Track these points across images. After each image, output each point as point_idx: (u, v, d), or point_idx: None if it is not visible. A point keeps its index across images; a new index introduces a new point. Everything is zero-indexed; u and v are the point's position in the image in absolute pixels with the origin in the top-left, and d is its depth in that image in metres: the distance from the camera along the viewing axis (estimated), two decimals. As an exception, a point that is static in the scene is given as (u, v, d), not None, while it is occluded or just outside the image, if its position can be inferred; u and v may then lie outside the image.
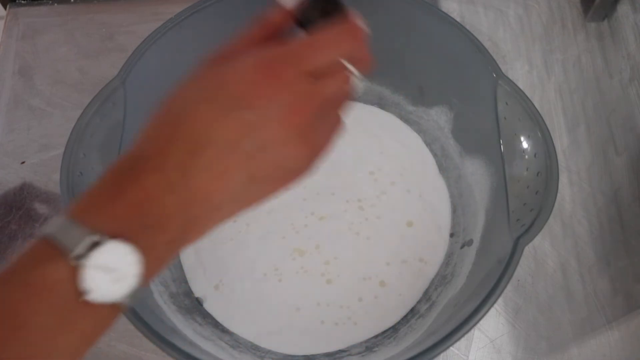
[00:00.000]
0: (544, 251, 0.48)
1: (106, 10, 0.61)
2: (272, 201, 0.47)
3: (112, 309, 0.24)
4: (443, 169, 0.50)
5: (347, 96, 0.30)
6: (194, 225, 0.26)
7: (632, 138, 0.53)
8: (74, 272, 0.22)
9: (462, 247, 0.45)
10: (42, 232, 0.23)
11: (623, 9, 0.58)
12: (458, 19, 0.44)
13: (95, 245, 0.23)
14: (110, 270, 0.23)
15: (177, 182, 0.25)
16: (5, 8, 0.61)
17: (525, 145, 0.38)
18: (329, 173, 0.49)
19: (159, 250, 0.25)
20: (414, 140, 0.51)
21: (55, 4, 0.61)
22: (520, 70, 0.57)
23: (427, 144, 0.51)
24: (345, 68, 0.29)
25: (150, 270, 0.24)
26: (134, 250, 0.23)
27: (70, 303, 0.23)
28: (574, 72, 0.57)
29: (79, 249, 0.22)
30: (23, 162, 0.52)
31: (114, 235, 0.23)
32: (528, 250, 0.35)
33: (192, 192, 0.25)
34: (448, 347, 0.32)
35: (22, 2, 0.61)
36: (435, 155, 0.50)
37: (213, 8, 0.43)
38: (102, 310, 0.23)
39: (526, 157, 0.38)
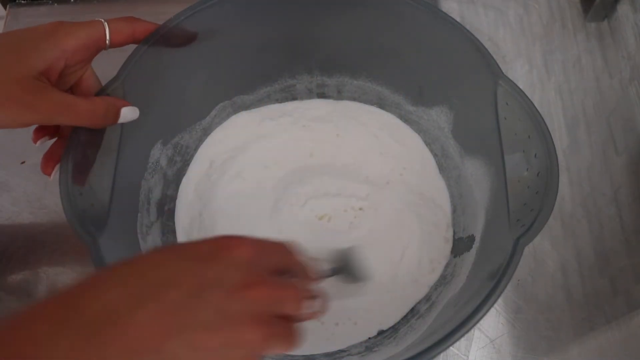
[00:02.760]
0: (544, 251, 0.48)
1: (106, 10, 0.61)
2: (272, 201, 0.48)
3: None
4: (443, 169, 0.50)
5: (299, 309, 0.28)
6: None
7: (632, 138, 0.53)
8: None
9: (461, 246, 0.45)
10: None
11: (623, 9, 0.58)
12: (458, 19, 0.44)
13: None
14: None
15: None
16: (5, 8, 0.61)
17: (525, 145, 0.38)
18: (329, 173, 0.49)
19: None
20: (414, 140, 0.51)
21: (55, 4, 0.61)
22: (520, 70, 0.57)
23: (427, 144, 0.51)
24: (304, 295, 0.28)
25: None
26: None
27: None
28: (574, 72, 0.57)
29: None
30: (23, 162, 0.52)
31: None
32: (528, 250, 0.34)
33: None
34: (448, 347, 0.32)
35: (22, 2, 0.61)
36: (435, 155, 0.50)
37: (213, 8, 0.43)
38: None
39: (526, 157, 0.38)
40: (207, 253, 0.26)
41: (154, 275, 0.25)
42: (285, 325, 0.27)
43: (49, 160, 0.38)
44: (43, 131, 0.39)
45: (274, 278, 0.27)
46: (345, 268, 0.40)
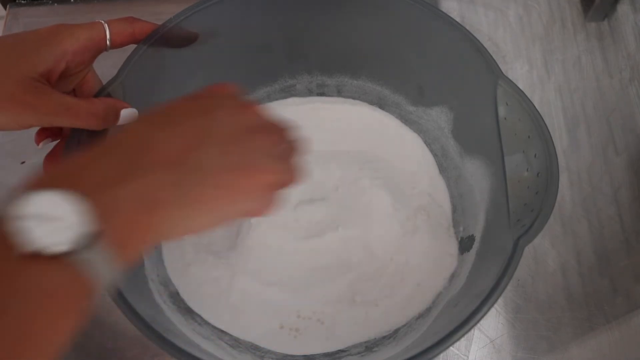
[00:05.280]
0: (544, 251, 0.48)
1: (106, 10, 0.61)
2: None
3: (71, 274, 0.22)
4: (443, 169, 0.50)
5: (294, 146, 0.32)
6: (160, 186, 0.25)
7: (632, 138, 0.53)
8: (10, 225, 0.21)
9: (462, 247, 0.45)
10: None
11: (623, 9, 0.58)
12: (458, 19, 0.44)
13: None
14: (50, 220, 0.21)
15: (125, 140, 0.26)
16: (5, 8, 0.61)
17: (525, 145, 0.38)
18: (328, 174, 0.49)
19: (116, 204, 0.23)
20: (414, 140, 0.51)
21: (55, 4, 0.61)
22: (520, 70, 0.57)
23: (427, 144, 0.51)
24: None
25: (115, 227, 0.23)
26: (74, 198, 0.22)
27: (12, 259, 0.21)
28: (574, 72, 0.57)
29: (14, 205, 0.21)
30: (23, 162, 0.52)
31: (40, 186, 0.22)
32: (528, 250, 0.35)
33: (144, 149, 0.26)
34: (448, 347, 0.32)
35: (22, 2, 0.61)
36: (435, 155, 0.50)
37: (212, 8, 0.43)
38: (57, 270, 0.21)
39: (526, 157, 0.38)
40: (204, 93, 0.31)
41: (173, 112, 0.28)
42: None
43: (52, 162, 0.38)
44: (46, 133, 0.39)
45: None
46: None
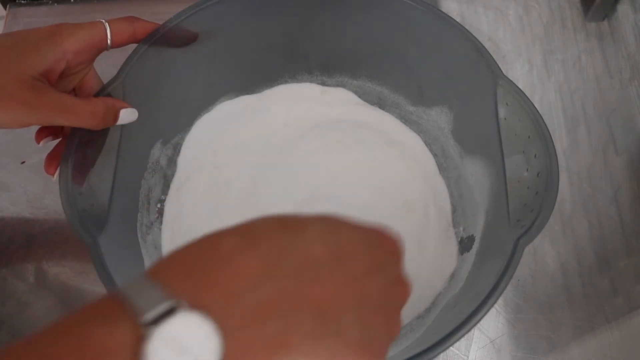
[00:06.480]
0: (544, 251, 0.48)
1: (106, 10, 0.61)
2: (273, 206, 0.47)
3: None
4: (443, 169, 0.50)
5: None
6: (295, 331, 0.22)
7: (632, 138, 0.53)
8: (139, 340, 0.19)
9: (462, 247, 0.45)
10: (114, 289, 0.20)
11: (623, 9, 0.58)
12: (458, 19, 0.44)
13: (170, 313, 0.20)
14: (181, 350, 0.19)
15: (284, 275, 0.22)
16: (5, 8, 0.61)
17: (525, 145, 0.38)
18: (328, 174, 0.49)
19: (248, 344, 0.21)
20: (414, 140, 0.51)
21: (55, 4, 0.61)
22: (520, 70, 0.57)
23: (427, 144, 0.51)
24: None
25: None
26: (214, 330, 0.20)
27: None
28: (574, 72, 0.57)
29: (152, 314, 0.19)
30: (23, 162, 0.52)
31: (195, 306, 0.20)
32: (528, 250, 0.35)
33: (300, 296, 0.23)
34: (448, 347, 0.32)
35: (22, 2, 0.61)
36: (435, 155, 0.50)
37: (212, 8, 0.43)
38: None
39: (526, 157, 0.38)
40: (373, 238, 0.27)
41: (339, 242, 0.25)
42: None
43: (53, 160, 0.38)
44: (46, 131, 0.39)
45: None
46: None
